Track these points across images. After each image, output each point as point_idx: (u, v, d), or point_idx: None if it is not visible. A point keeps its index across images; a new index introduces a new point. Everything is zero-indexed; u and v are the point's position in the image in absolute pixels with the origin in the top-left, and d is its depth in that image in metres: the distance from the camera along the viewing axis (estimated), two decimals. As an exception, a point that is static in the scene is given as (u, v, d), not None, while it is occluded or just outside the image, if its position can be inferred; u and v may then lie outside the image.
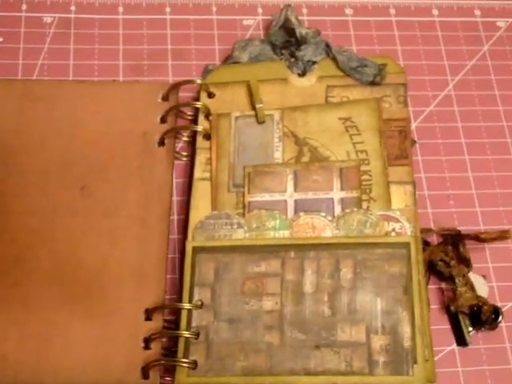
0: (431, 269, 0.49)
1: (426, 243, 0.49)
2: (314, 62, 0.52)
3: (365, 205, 0.47)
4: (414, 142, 0.52)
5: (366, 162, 0.49)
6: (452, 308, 0.48)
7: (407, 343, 0.43)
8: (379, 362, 0.42)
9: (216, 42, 0.58)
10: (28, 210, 0.48)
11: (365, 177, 0.48)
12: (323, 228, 0.47)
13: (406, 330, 0.43)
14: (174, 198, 0.51)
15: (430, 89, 0.57)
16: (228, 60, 0.54)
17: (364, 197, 0.47)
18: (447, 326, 0.48)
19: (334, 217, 0.47)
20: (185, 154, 0.52)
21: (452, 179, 0.53)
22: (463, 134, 0.55)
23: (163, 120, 0.52)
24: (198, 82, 0.52)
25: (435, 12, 0.61)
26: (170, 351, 0.45)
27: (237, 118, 0.51)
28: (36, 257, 0.47)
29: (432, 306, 0.48)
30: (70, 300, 0.45)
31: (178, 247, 0.49)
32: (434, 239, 0.50)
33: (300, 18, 0.56)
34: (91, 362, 0.44)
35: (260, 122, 0.50)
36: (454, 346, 0.48)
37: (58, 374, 0.43)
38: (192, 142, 0.52)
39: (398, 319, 0.43)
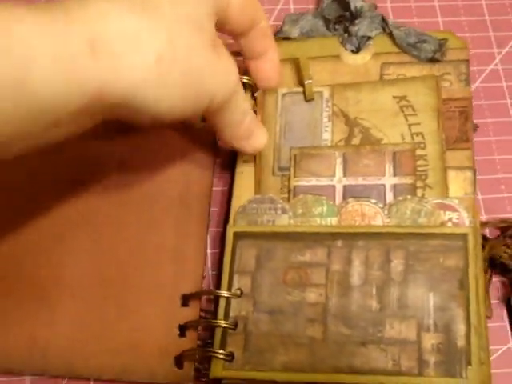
0: (493, 265, 0.45)
1: (484, 238, 0.45)
2: (369, 38, 0.49)
3: (420, 192, 0.43)
4: (475, 126, 0.48)
5: (422, 145, 0.45)
6: (513, 300, 0.44)
7: (461, 342, 0.39)
8: (430, 363, 0.39)
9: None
10: (62, 192, 0.46)
11: (420, 162, 0.44)
12: (374, 216, 0.43)
13: (460, 327, 0.39)
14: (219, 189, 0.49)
15: (476, 63, 0.52)
16: (277, 34, 0.51)
17: (419, 183, 0.44)
18: (504, 323, 0.45)
19: (385, 204, 0.44)
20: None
21: (502, 162, 0.49)
22: None
23: None
24: (245, 58, 0.49)
25: (477, -22, 0.56)
26: (206, 342, 0.43)
27: (284, 95, 0.48)
28: (75, 237, 0.45)
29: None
30: (105, 283, 0.44)
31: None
32: (487, 232, 0.46)
33: (352, -12, 0.52)
34: (123, 347, 0.42)
35: (308, 99, 0.47)
36: (511, 343, 0.44)
37: (88, 359, 0.42)
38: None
39: (452, 316, 0.40)
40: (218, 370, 0.41)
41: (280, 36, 0.50)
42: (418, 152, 0.45)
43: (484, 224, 0.46)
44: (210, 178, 0.47)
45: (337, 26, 0.50)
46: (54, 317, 0.43)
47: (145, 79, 0.33)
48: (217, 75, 0.37)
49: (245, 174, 0.46)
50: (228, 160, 0.49)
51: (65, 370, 0.42)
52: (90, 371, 0.42)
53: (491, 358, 0.42)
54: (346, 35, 0.49)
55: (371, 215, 0.43)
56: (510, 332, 0.44)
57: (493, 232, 0.47)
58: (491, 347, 0.42)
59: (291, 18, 0.51)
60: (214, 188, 0.48)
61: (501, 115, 0.51)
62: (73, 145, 0.46)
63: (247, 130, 0.43)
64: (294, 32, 0.50)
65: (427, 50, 0.47)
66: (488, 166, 0.49)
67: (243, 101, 0.40)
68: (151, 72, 0.33)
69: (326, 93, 0.47)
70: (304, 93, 0.47)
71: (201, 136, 0.48)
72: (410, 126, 0.45)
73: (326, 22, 0.50)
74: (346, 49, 0.49)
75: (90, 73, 0.31)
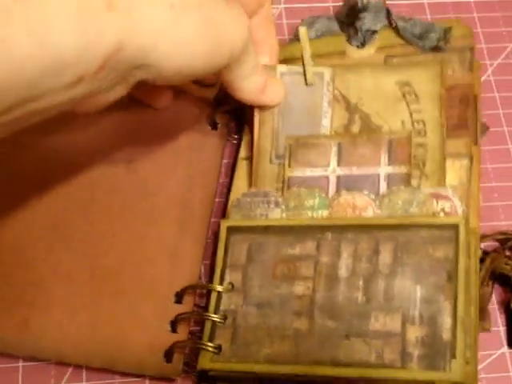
0: (493, 277, 0.44)
1: (484, 252, 0.44)
2: (374, 32, 0.48)
3: (416, 182, 0.42)
4: (486, 127, 0.46)
5: (423, 133, 0.43)
6: (512, 305, 0.43)
7: (446, 335, 0.37)
8: (413, 355, 0.37)
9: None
10: (69, 179, 0.47)
11: (419, 150, 0.43)
12: (365, 207, 0.42)
13: (446, 320, 0.37)
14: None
15: (469, 74, 0.51)
16: (294, 36, 0.51)
17: (416, 172, 0.42)
18: (498, 328, 0.44)
19: (377, 195, 0.42)
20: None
21: (495, 170, 0.48)
22: (505, 121, 0.51)
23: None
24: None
25: (471, -10, 0.55)
26: (197, 336, 0.43)
27: (283, 74, 0.47)
28: (72, 225, 0.46)
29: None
30: (102, 274, 0.45)
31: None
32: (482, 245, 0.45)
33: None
34: (114, 339, 0.43)
35: (309, 84, 0.46)
36: (505, 348, 0.43)
37: (78, 347, 0.43)
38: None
39: (439, 309, 0.38)
40: (205, 361, 0.41)
41: (295, 37, 0.50)
42: (418, 140, 0.43)
43: (483, 237, 0.44)
44: (215, 180, 0.48)
45: (350, 28, 0.50)
46: (47, 303, 0.44)
47: (163, 27, 0.33)
48: (232, 20, 0.37)
49: (244, 171, 0.46)
50: (232, 162, 0.50)
51: (54, 355, 0.43)
52: (78, 358, 0.43)
53: (485, 363, 0.42)
54: (352, 32, 0.49)
55: (363, 207, 0.42)
56: (504, 337, 0.43)
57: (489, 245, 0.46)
58: (485, 352, 0.42)
59: (307, 21, 0.51)
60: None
61: (494, 125, 0.50)
62: (80, 142, 0.49)
63: (260, 78, 0.43)
64: (310, 34, 0.50)
65: (432, 39, 0.46)
66: (482, 175, 0.47)
67: (254, 49, 0.41)
68: (168, 19, 0.33)
69: (327, 74, 0.46)
70: (304, 74, 0.46)
71: (208, 137, 0.49)
72: (411, 113, 0.44)
73: (341, 24, 0.50)
74: (351, 45, 0.48)
75: (108, 26, 0.31)
